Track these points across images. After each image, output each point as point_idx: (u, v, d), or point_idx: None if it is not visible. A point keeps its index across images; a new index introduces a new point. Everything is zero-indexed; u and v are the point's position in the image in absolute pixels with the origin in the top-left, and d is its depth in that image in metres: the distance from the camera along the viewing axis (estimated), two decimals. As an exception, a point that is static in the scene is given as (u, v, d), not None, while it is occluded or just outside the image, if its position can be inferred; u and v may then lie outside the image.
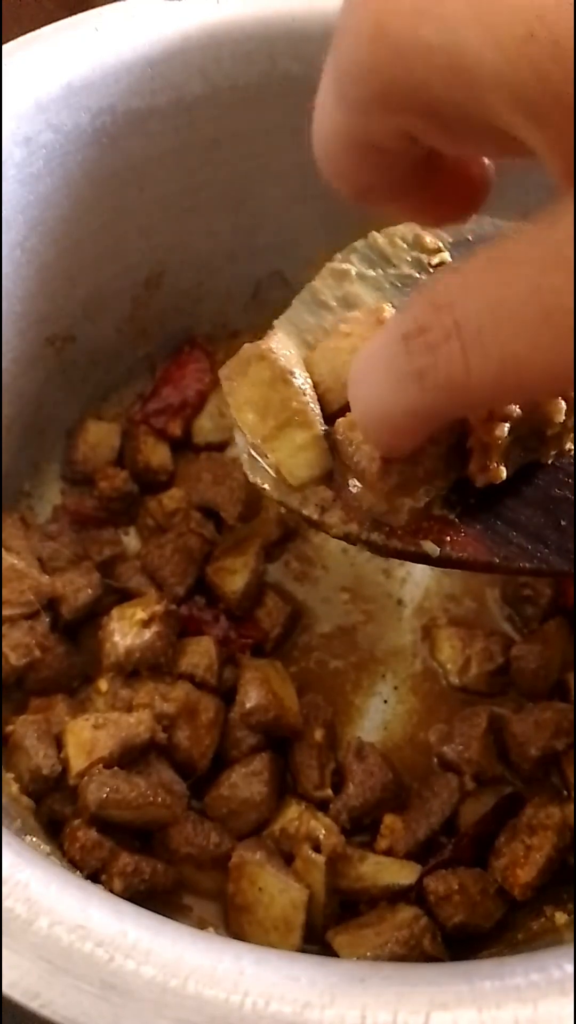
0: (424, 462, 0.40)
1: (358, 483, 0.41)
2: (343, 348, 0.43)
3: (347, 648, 0.62)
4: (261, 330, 0.75)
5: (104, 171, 0.60)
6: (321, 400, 0.43)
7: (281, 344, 0.43)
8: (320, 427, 0.42)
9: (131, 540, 0.65)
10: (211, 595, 0.61)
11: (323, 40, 0.63)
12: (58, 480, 0.67)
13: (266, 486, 0.43)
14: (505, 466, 0.40)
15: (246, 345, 0.43)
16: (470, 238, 0.48)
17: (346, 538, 0.42)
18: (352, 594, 0.64)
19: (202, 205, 0.66)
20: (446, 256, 0.47)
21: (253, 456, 0.43)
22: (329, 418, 0.42)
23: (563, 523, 0.42)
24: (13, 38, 0.57)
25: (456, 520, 0.41)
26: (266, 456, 0.42)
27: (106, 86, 0.58)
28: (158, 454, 0.67)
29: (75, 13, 0.59)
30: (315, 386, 0.43)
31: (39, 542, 0.61)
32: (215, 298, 0.71)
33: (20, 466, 0.65)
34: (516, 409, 0.39)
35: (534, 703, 0.58)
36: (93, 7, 0.59)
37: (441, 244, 0.48)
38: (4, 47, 0.57)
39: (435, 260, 0.47)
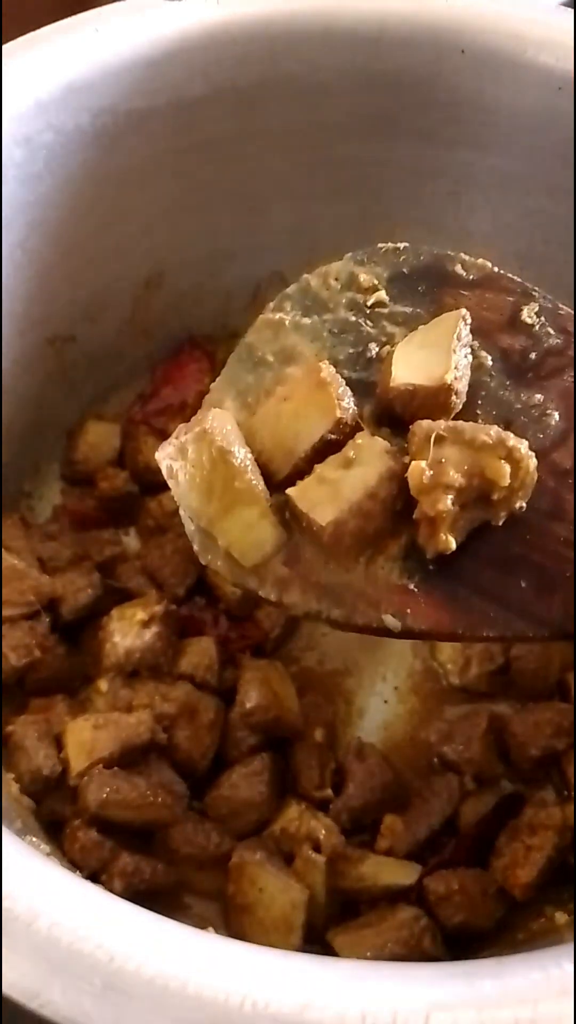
0: (375, 519, 0.40)
1: (314, 552, 0.40)
2: (284, 413, 0.42)
3: (347, 648, 0.62)
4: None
5: (105, 171, 0.60)
6: (265, 469, 0.42)
7: (218, 419, 0.42)
8: (267, 501, 0.41)
9: (131, 540, 0.65)
10: (211, 595, 0.61)
11: (324, 40, 0.63)
12: (58, 480, 0.67)
13: (220, 566, 0.42)
14: (455, 534, 0.39)
15: (181, 426, 0.42)
16: (406, 271, 0.47)
17: (307, 616, 0.41)
18: (352, 594, 0.64)
19: (202, 205, 0.66)
20: (382, 295, 0.46)
21: (203, 538, 0.42)
22: (276, 486, 0.41)
23: (523, 584, 0.41)
24: (13, 38, 0.57)
25: (415, 589, 0.40)
26: (216, 539, 0.41)
27: (107, 86, 0.58)
28: (158, 454, 0.67)
29: (75, 13, 0.59)
30: (258, 455, 0.42)
31: (39, 542, 0.61)
32: (215, 298, 0.71)
33: (20, 466, 0.65)
34: (459, 478, 0.38)
35: (534, 703, 0.58)
36: (93, 7, 0.59)
37: (377, 281, 0.47)
38: (4, 47, 0.57)
39: (371, 299, 0.46)
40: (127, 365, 0.70)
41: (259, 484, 0.41)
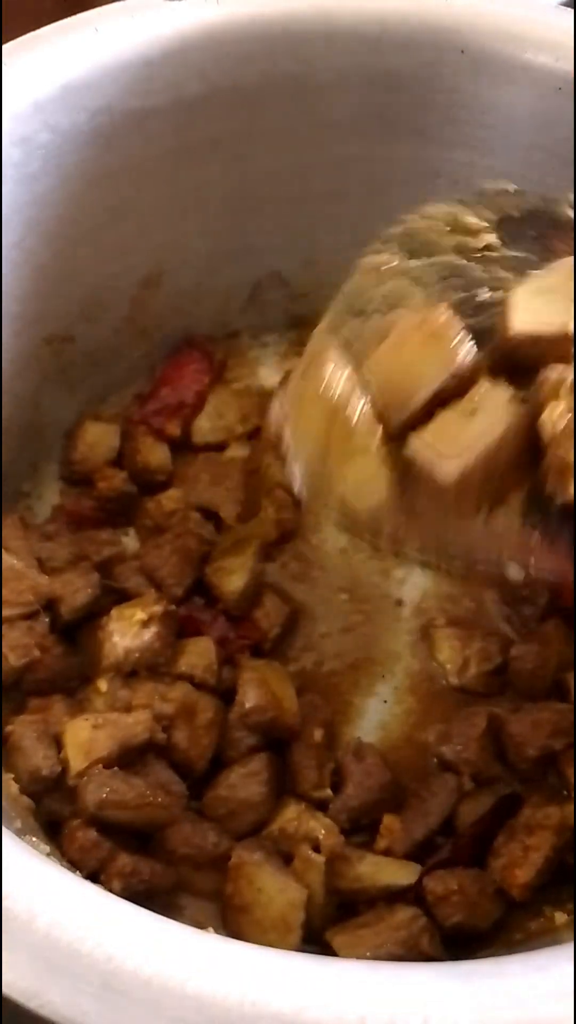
0: (500, 470, 0.38)
1: (433, 502, 0.39)
2: (399, 359, 0.41)
3: (346, 648, 0.62)
4: (260, 330, 0.76)
5: (102, 171, 0.60)
6: (379, 418, 0.41)
7: (335, 366, 0.41)
8: (383, 450, 0.40)
9: (130, 540, 0.65)
10: (210, 595, 0.61)
11: (324, 40, 0.63)
12: (56, 480, 0.67)
13: (334, 517, 0.42)
14: None
15: (294, 372, 0.41)
16: (515, 215, 0.45)
17: (426, 564, 0.41)
18: (350, 594, 0.64)
19: (201, 205, 0.66)
20: (492, 238, 0.45)
21: (316, 486, 0.42)
22: (390, 435, 0.40)
23: None
24: (13, 38, 0.57)
25: (538, 538, 0.39)
26: (330, 489, 0.41)
27: (104, 86, 0.58)
28: (156, 454, 0.67)
29: (75, 13, 0.59)
30: (371, 404, 0.41)
31: (38, 542, 0.61)
32: (214, 298, 0.71)
33: (19, 467, 0.65)
34: None
35: (532, 703, 0.58)
36: (93, 7, 0.59)
37: (486, 223, 0.45)
38: (3, 47, 0.57)
39: (481, 243, 0.45)
40: (125, 365, 0.70)
41: (375, 432, 0.40)
